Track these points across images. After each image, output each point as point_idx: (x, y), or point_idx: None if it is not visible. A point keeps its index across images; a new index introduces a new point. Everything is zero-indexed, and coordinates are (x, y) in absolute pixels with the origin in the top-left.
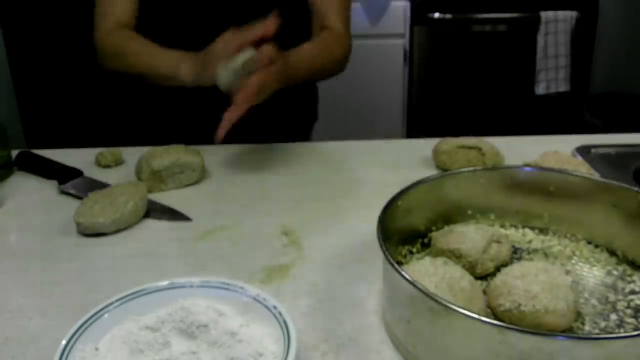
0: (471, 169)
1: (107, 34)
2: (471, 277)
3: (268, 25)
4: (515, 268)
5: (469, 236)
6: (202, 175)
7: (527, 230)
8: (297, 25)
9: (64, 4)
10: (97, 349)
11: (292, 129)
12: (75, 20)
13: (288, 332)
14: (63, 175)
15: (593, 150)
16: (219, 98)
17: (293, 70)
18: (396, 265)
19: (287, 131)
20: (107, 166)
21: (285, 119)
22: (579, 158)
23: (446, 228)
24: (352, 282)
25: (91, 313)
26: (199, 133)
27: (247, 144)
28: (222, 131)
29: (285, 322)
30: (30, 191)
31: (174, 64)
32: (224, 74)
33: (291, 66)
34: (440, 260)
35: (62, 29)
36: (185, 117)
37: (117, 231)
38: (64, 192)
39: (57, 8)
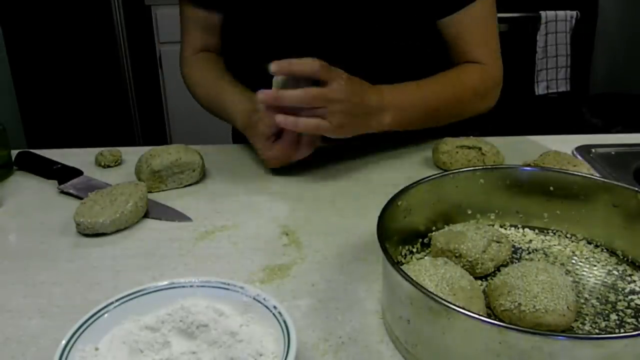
0: (471, 168)
1: (185, 60)
2: (471, 277)
3: (307, 66)
4: (515, 268)
5: (469, 236)
6: (202, 175)
7: (527, 230)
8: (424, 65)
9: (64, 4)
10: (97, 349)
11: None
12: (76, 21)
13: (288, 332)
14: (63, 175)
15: (593, 150)
16: None
17: (392, 101)
18: (396, 265)
19: None
20: (107, 166)
21: None
22: (579, 158)
23: (446, 228)
24: (352, 282)
25: (91, 313)
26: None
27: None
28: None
29: (285, 322)
30: (30, 191)
31: (231, 112)
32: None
33: (384, 96)
34: (440, 260)
35: (62, 29)
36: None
37: (117, 231)
38: (63, 192)
39: (57, 8)
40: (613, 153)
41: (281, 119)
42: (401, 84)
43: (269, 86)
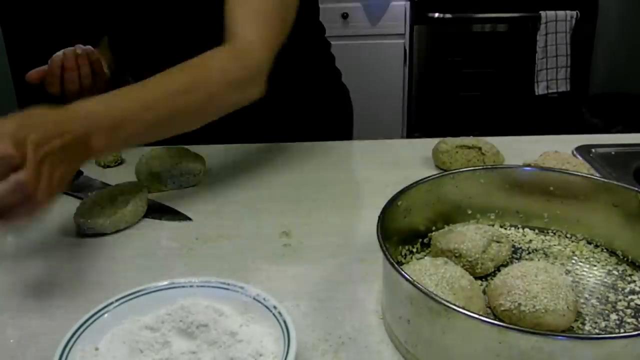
0: (471, 168)
1: None
2: (471, 277)
3: None
4: (515, 268)
5: (469, 236)
6: (203, 178)
7: (527, 230)
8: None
9: (64, 4)
10: (97, 349)
11: (328, 135)
12: (75, 21)
13: (288, 332)
14: None
15: (593, 150)
16: None
17: (100, 119)
18: (396, 265)
19: (324, 138)
20: (107, 166)
21: (318, 125)
22: (579, 158)
23: (446, 228)
24: (352, 282)
25: (91, 313)
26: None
27: (249, 144)
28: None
29: (285, 322)
30: None
31: None
32: None
33: (84, 115)
34: (440, 260)
35: (62, 29)
36: None
37: (117, 231)
38: (64, 192)
39: (57, 8)
40: (613, 153)
41: None
42: (114, 92)
43: None
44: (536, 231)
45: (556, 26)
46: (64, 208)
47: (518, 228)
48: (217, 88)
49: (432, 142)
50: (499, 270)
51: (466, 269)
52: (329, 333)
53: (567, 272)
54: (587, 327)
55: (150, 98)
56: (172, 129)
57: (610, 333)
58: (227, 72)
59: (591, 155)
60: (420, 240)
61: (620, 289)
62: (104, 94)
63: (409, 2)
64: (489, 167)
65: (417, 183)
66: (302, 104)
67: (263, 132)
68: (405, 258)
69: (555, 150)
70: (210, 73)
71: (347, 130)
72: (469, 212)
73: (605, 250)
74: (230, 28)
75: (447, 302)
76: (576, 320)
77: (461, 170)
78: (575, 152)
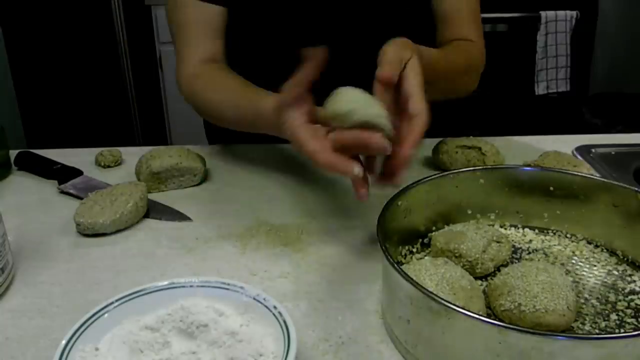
0: (471, 169)
1: (192, 76)
2: (471, 277)
3: (314, 61)
4: (516, 268)
5: (469, 236)
6: (203, 179)
7: (527, 230)
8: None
9: (64, 4)
10: (97, 349)
11: None
12: (76, 21)
13: (288, 332)
14: (63, 175)
15: (593, 150)
16: None
17: (428, 68)
18: (396, 265)
19: None
20: (107, 166)
21: None
22: (579, 158)
23: (446, 228)
24: (352, 282)
25: (91, 313)
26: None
27: (249, 144)
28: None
29: (285, 322)
30: (29, 191)
31: (255, 121)
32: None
33: (427, 65)
34: (440, 260)
35: (62, 29)
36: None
37: (117, 231)
38: (63, 192)
39: (57, 8)
40: (613, 153)
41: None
42: (426, 50)
43: (273, 83)
44: (536, 231)
45: (556, 26)
46: (64, 208)
47: (518, 228)
48: (475, 75)
49: (432, 142)
50: (499, 270)
51: (466, 269)
52: (329, 333)
53: (567, 272)
54: (587, 327)
55: (443, 69)
56: (442, 93)
57: (610, 333)
58: (478, 63)
59: (591, 155)
60: (420, 240)
61: (620, 289)
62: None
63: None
64: (489, 167)
65: (417, 183)
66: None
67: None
68: (405, 258)
69: (555, 150)
70: (474, 62)
71: None
72: (469, 212)
73: (605, 250)
74: (454, 33)
75: (447, 302)
76: (576, 320)
77: (461, 170)
78: (575, 152)
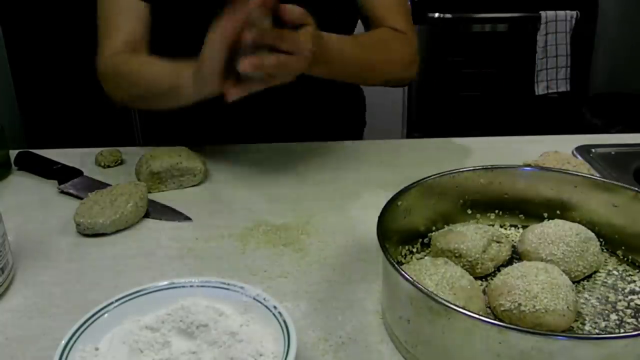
0: (471, 168)
1: (110, 58)
2: (471, 277)
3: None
4: (515, 268)
5: (469, 236)
6: (203, 178)
7: None
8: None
9: (64, 4)
10: (97, 349)
11: (341, 135)
12: (76, 21)
13: (288, 332)
14: (63, 175)
15: (593, 150)
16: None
17: (333, 53)
18: (396, 265)
19: (336, 138)
20: (107, 166)
21: (332, 125)
22: (579, 158)
23: (446, 228)
24: (352, 282)
25: (91, 313)
26: (203, 132)
27: (249, 144)
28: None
29: (285, 322)
30: (29, 191)
31: (175, 73)
32: None
33: (330, 47)
34: (440, 260)
35: (62, 29)
36: (189, 116)
37: (117, 231)
38: (63, 192)
39: (57, 8)
40: (613, 153)
41: (248, 63)
42: (342, 37)
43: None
44: None
45: (556, 26)
46: (64, 208)
47: (518, 228)
48: (400, 69)
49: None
50: (499, 271)
51: (466, 269)
52: (329, 333)
53: None
54: (587, 327)
55: (360, 56)
56: (362, 81)
57: (610, 333)
58: (404, 55)
59: (591, 155)
60: (420, 240)
61: (620, 289)
62: (336, 36)
63: (409, 2)
64: (489, 167)
65: (417, 183)
66: (317, 103)
67: (265, 132)
68: (405, 258)
69: (555, 150)
70: (397, 56)
71: (359, 130)
72: (469, 212)
73: (605, 250)
74: (386, 21)
75: (447, 302)
76: (576, 321)
77: (461, 170)
78: (575, 152)
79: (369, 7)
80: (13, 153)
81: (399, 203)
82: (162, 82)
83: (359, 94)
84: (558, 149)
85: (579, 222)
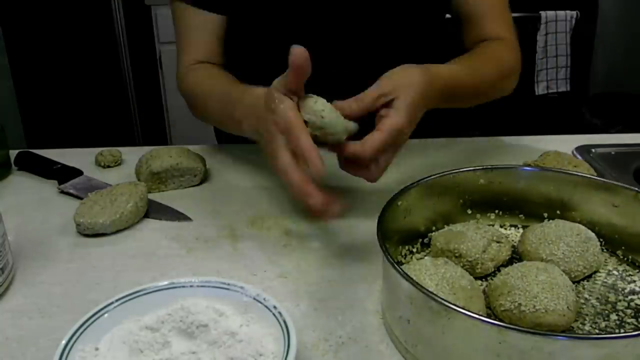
0: (471, 168)
1: (185, 76)
2: (471, 277)
3: (297, 63)
4: (516, 268)
5: (469, 236)
6: (203, 179)
7: None
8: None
9: (64, 4)
10: (97, 349)
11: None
12: (76, 21)
13: (288, 332)
14: (63, 175)
15: (593, 150)
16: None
17: (450, 87)
18: (396, 265)
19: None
20: (107, 166)
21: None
22: (579, 158)
23: (446, 228)
24: (352, 282)
25: (91, 313)
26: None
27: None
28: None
29: (285, 322)
30: (29, 191)
31: (237, 120)
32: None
33: (446, 83)
34: (440, 260)
35: (62, 29)
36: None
37: (117, 231)
38: (63, 192)
39: (57, 8)
40: (613, 153)
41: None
42: (453, 68)
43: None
44: None
45: (556, 26)
46: (64, 208)
47: (518, 228)
48: (512, 80)
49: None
50: (499, 271)
51: (466, 269)
52: (329, 333)
53: None
54: (587, 327)
55: (475, 80)
56: (475, 102)
57: (610, 333)
58: (512, 64)
59: (591, 155)
60: (421, 240)
61: (620, 289)
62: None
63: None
64: (489, 167)
65: (417, 183)
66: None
67: None
68: (405, 258)
69: (555, 150)
70: (507, 65)
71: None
72: (469, 212)
73: (605, 250)
74: (481, 31)
75: (447, 302)
76: (576, 321)
77: (461, 170)
78: (575, 152)
79: (467, 8)
80: (13, 153)
81: (399, 203)
82: (227, 122)
83: None
84: (558, 149)
85: (579, 222)
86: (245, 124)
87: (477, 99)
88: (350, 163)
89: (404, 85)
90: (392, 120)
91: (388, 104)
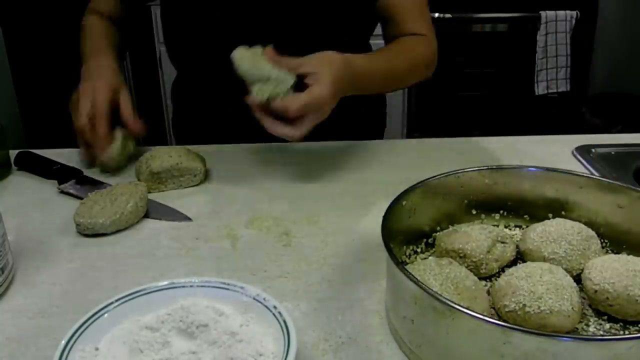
0: (476, 168)
1: (87, 14)
2: (475, 278)
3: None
4: (520, 269)
5: (474, 236)
6: (203, 179)
7: None
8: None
9: (64, 4)
10: (97, 349)
11: (363, 136)
12: (76, 21)
13: (288, 332)
14: (63, 175)
15: (593, 150)
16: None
17: (362, 75)
18: (401, 265)
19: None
20: None
21: (354, 126)
22: (579, 158)
23: (451, 228)
24: (352, 282)
25: (91, 313)
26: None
27: (249, 143)
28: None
29: (285, 322)
30: (29, 191)
31: (85, 57)
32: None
33: (359, 71)
34: (444, 261)
35: (62, 29)
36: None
37: (117, 231)
38: (63, 192)
39: (57, 8)
40: (613, 153)
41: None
42: (367, 57)
43: (214, 72)
44: None
45: (556, 26)
46: (64, 208)
47: (523, 229)
48: (424, 71)
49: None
50: (504, 271)
51: (470, 270)
52: (329, 333)
53: None
54: (591, 329)
55: (386, 67)
56: (386, 90)
57: (615, 335)
58: (425, 61)
59: (591, 155)
60: (425, 240)
61: None
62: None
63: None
64: (494, 167)
65: (422, 183)
66: (341, 106)
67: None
68: (409, 258)
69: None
70: (420, 59)
71: (379, 132)
72: (474, 212)
73: (610, 251)
74: (401, 29)
75: (452, 302)
76: (581, 322)
77: (466, 170)
78: (575, 152)
79: (390, 9)
80: (13, 153)
81: (404, 203)
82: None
83: (381, 95)
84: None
85: (584, 223)
86: (84, 67)
87: (389, 85)
88: (277, 120)
89: (324, 63)
90: (317, 88)
91: (314, 77)
